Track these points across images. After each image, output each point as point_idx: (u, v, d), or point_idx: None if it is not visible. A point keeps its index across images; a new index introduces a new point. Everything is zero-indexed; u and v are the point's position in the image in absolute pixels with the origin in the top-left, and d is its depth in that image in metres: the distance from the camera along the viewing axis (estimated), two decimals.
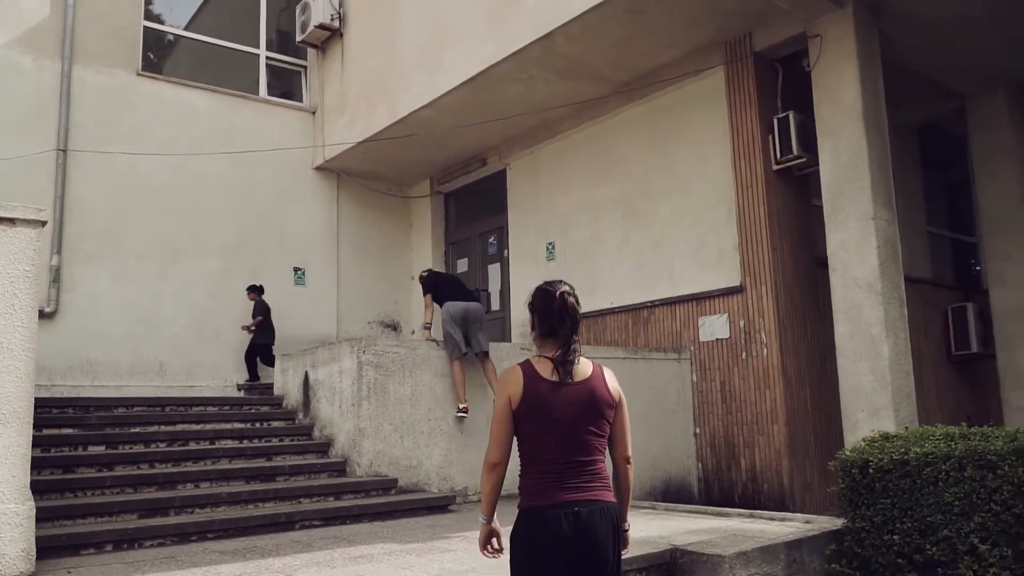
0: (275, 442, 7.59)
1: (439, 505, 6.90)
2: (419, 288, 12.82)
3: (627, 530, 3.23)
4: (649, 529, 5.70)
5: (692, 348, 9.33)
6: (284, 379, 8.72)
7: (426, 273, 8.74)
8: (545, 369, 2.98)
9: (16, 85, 10.06)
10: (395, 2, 10.95)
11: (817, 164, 8.26)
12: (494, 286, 12.11)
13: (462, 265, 12.75)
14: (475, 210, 12.76)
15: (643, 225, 9.91)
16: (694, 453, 9.31)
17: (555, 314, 3.03)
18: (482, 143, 11.63)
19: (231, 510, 6.07)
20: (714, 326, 9.14)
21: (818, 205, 8.48)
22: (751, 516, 6.28)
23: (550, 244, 11.11)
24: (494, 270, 12.17)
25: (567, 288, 3.08)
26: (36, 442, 5.99)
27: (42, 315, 9.63)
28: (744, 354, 8.79)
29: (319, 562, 4.75)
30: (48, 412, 7.08)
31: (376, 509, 6.49)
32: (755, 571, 4.82)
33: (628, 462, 3.12)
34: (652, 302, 9.70)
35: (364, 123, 11.36)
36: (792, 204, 8.86)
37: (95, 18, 10.67)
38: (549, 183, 11.21)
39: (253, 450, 7.34)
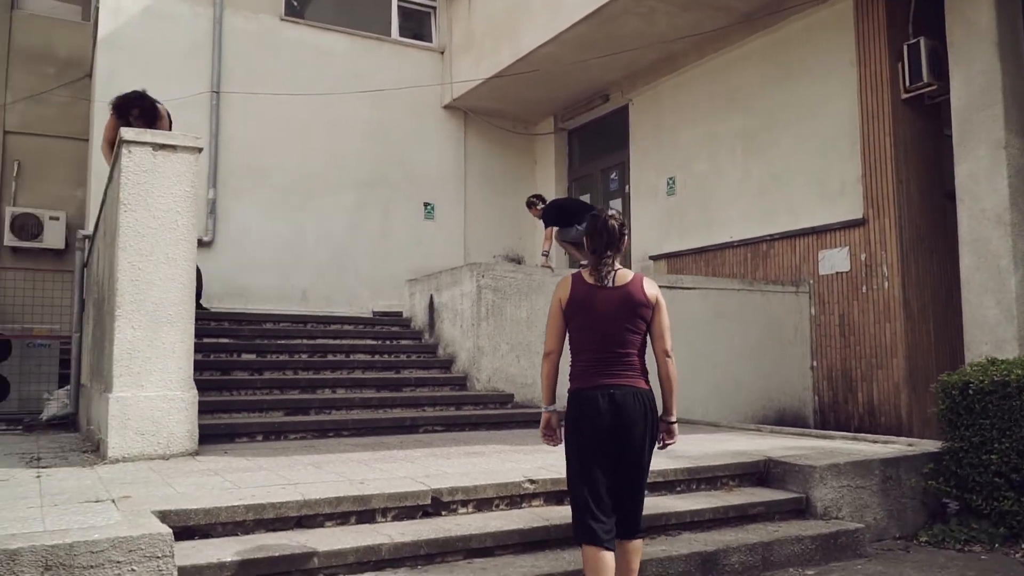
0: (403, 357, 8.24)
1: None
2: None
3: (674, 422, 3.64)
4: (749, 445, 5.91)
5: (811, 281, 9.26)
6: (412, 302, 9.35)
7: (539, 203, 9.08)
8: (588, 280, 3.49)
9: (175, 32, 10.98)
10: None
11: (948, 92, 7.91)
12: None
13: (585, 201, 12.95)
14: (597, 146, 12.90)
15: (764, 158, 9.80)
16: (810, 386, 9.31)
17: (597, 233, 3.50)
18: (604, 79, 11.71)
19: (363, 412, 6.75)
20: (834, 259, 9.02)
21: (948, 136, 8.15)
22: (855, 439, 6.35)
23: (670, 179, 11.16)
24: (616, 205, 12.31)
25: (613, 213, 3.57)
26: (197, 348, 6.83)
27: (201, 244, 10.64)
28: (864, 287, 8.67)
29: (436, 455, 5.29)
30: (207, 324, 7.99)
31: (492, 419, 7.01)
32: (847, 483, 4.97)
33: (668, 355, 3.57)
34: (771, 236, 9.64)
35: (490, 61, 11.68)
36: (920, 135, 8.55)
37: None
38: (671, 118, 11.20)
39: (383, 363, 8.01)
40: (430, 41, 13.02)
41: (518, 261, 13.22)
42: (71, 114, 12.44)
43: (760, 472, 5.17)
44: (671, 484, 4.86)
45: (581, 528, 3.37)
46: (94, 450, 5.63)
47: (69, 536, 3.01)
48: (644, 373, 3.48)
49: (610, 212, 3.58)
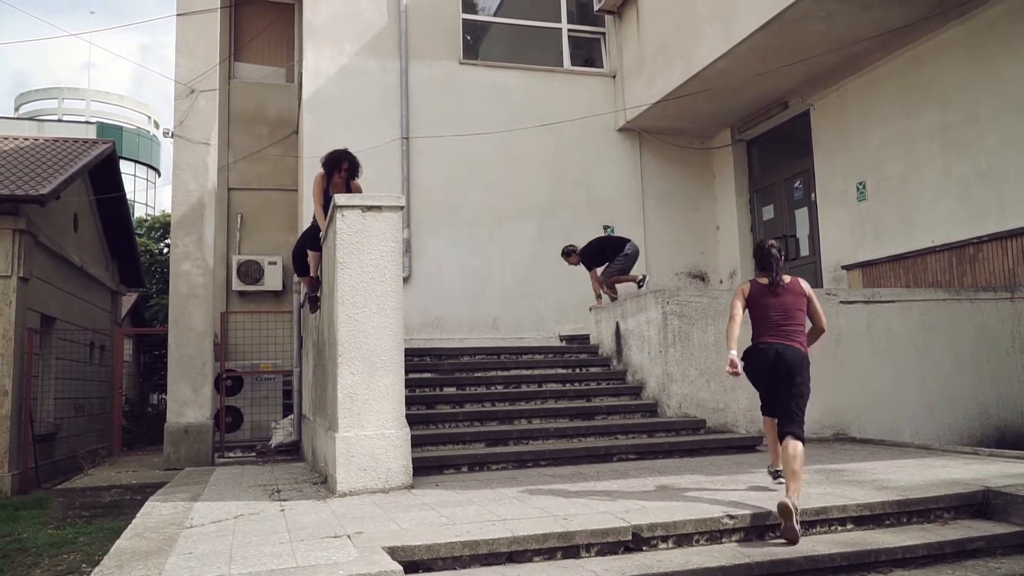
0: (593, 385, 8.45)
1: (746, 445, 7.26)
2: (726, 237, 13.09)
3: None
4: (964, 472, 5.58)
5: None
6: (598, 329, 9.56)
7: (573, 252, 10.48)
8: (762, 281, 5.37)
9: (367, 86, 11.93)
10: None
11: None
12: (802, 231, 11.90)
13: (767, 212, 12.65)
14: (778, 155, 12.55)
15: (967, 154, 9.16)
16: None
17: (764, 258, 5.39)
18: (782, 86, 11.39)
19: (558, 442, 7.03)
20: None
21: None
22: None
23: (860, 183, 10.66)
24: (801, 215, 11.93)
25: (772, 243, 5.46)
26: (405, 384, 7.41)
27: None
28: None
29: (632, 487, 5.43)
30: (411, 360, 8.59)
31: (685, 446, 7.05)
32: None
33: (823, 329, 5.50)
34: (979, 238, 8.98)
35: (662, 81, 11.72)
36: None
37: (423, 19, 12.24)
38: (857, 119, 10.71)
39: (575, 392, 8.27)
40: (601, 67, 13.26)
41: (702, 278, 13.11)
42: (282, 168, 13.81)
43: (978, 503, 4.88)
44: (879, 518, 4.71)
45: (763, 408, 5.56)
46: (323, 482, 6.28)
47: (319, 572, 3.45)
48: (802, 338, 5.26)
49: (769, 243, 5.43)
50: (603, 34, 13.31)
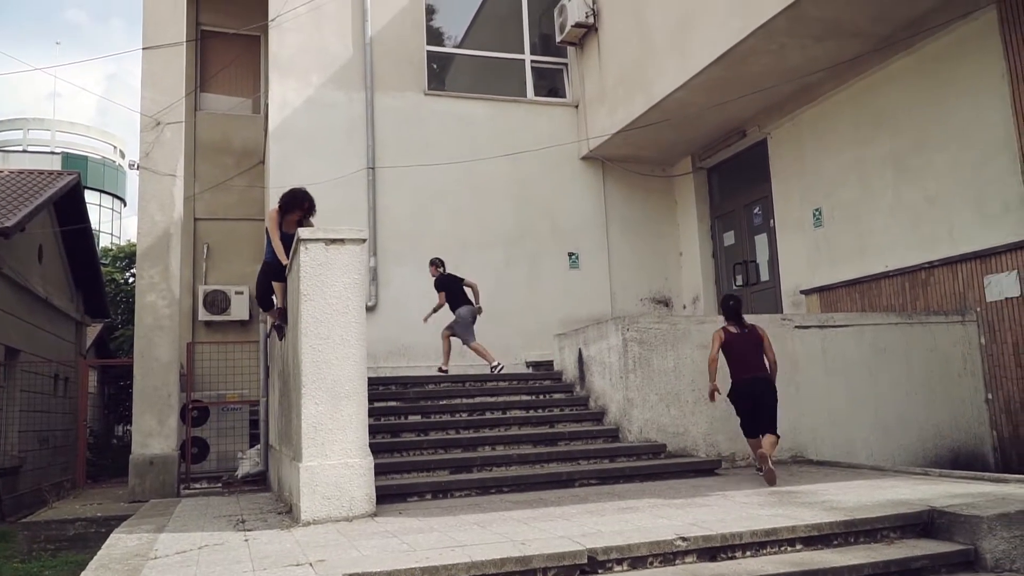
0: (556, 411, 8.58)
1: (705, 468, 7.42)
2: (688, 263, 13.34)
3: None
4: (912, 492, 5.77)
5: (978, 309, 8.84)
6: (562, 356, 9.71)
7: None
8: (732, 330, 7.29)
9: (333, 117, 12.08)
10: None
11: None
12: (762, 256, 12.18)
13: (728, 238, 12.93)
14: (738, 182, 12.87)
15: (917, 181, 9.49)
16: (987, 420, 8.84)
17: (732, 313, 7.39)
18: (740, 115, 11.73)
19: (521, 468, 7.13)
20: (1002, 284, 8.58)
21: None
22: None
23: (816, 210, 10.97)
24: (760, 240, 12.22)
25: (735, 298, 7.55)
26: (371, 412, 7.46)
27: (365, 309, 11.55)
28: None
29: (591, 511, 5.55)
30: (376, 389, 8.67)
31: (646, 471, 7.19)
32: (1020, 534, 4.78)
33: (775, 363, 7.33)
34: (931, 263, 9.28)
35: (623, 111, 12.01)
36: None
37: (388, 51, 12.44)
38: (813, 147, 11.05)
39: (538, 418, 8.38)
40: (564, 96, 13.53)
41: (665, 303, 13.34)
42: (248, 198, 13.86)
43: (924, 523, 5.06)
44: (827, 538, 4.87)
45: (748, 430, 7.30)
46: (288, 512, 6.32)
47: None
48: (766, 368, 7.22)
49: (732, 300, 7.50)
50: (565, 65, 13.60)
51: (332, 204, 11.39)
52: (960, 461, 8.62)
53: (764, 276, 12.11)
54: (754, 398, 7.08)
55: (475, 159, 12.36)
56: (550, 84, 13.74)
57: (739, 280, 12.37)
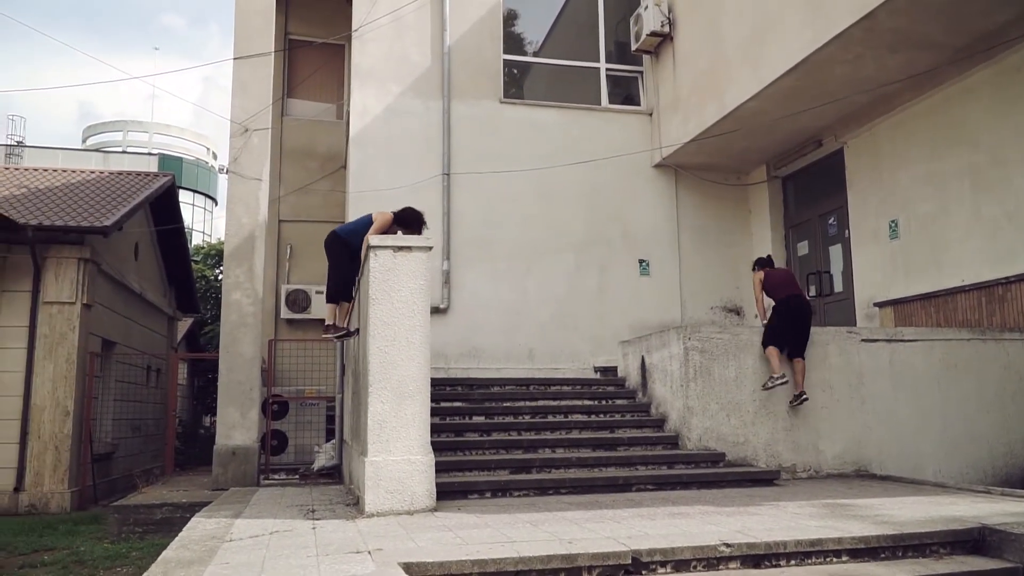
0: (617, 417, 8.73)
1: (764, 479, 7.45)
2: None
3: None
4: (969, 509, 5.72)
5: None
6: (625, 362, 9.84)
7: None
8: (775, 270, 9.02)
9: (411, 124, 12.50)
10: (719, 1, 11.45)
11: None
12: (836, 267, 12.02)
13: (802, 248, 12.80)
14: (813, 192, 12.72)
15: (995, 195, 9.26)
16: None
17: (769, 262, 9.11)
18: (815, 125, 11.61)
19: (579, 472, 7.32)
20: None
21: None
22: None
23: (892, 222, 10.78)
24: (835, 251, 12.06)
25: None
26: (436, 412, 7.78)
27: (437, 311, 11.92)
28: None
29: (643, 515, 5.71)
30: (443, 390, 9.01)
31: (703, 479, 7.28)
32: None
33: None
34: (1008, 278, 9.04)
35: (696, 120, 12.04)
36: None
37: (465, 59, 12.79)
38: (889, 158, 10.87)
39: (599, 423, 8.55)
40: (638, 104, 13.62)
41: (736, 312, 13.27)
42: (330, 202, 14.43)
43: (974, 540, 5.03)
44: (874, 551, 4.90)
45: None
46: (355, 504, 6.67)
47: None
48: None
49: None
50: (640, 73, 13.69)
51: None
52: None
53: (838, 287, 11.94)
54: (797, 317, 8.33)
55: (548, 166, 12.58)
56: (625, 92, 13.86)
57: (812, 291, 12.23)
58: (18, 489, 11.94)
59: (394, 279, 6.09)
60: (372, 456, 5.95)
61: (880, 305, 10.89)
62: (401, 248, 6.13)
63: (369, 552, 4.55)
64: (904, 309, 10.53)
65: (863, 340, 8.45)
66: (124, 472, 14.72)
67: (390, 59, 12.58)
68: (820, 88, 10.22)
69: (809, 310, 8.46)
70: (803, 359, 8.16)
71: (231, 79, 11.60)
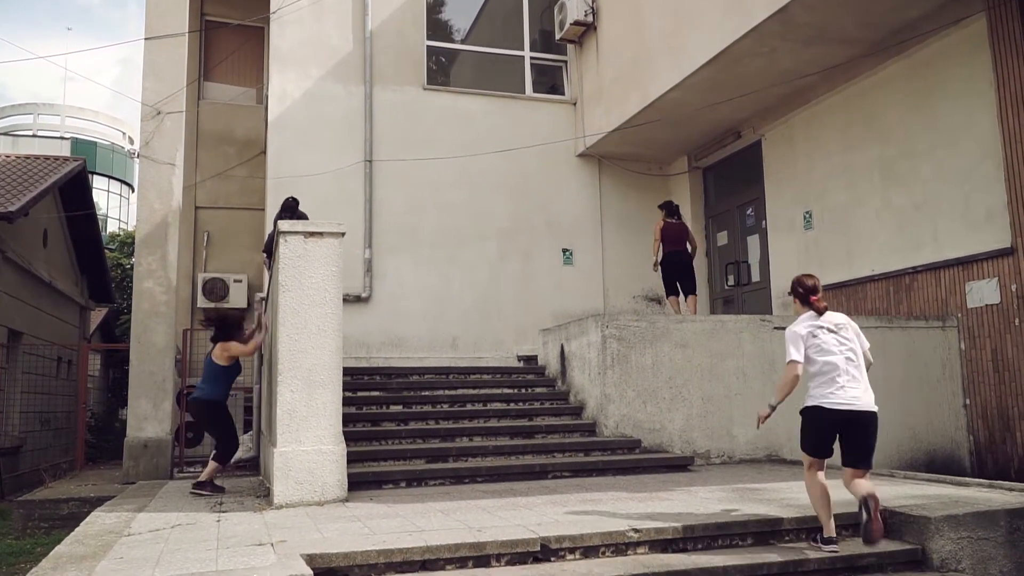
0: (536, 405, 8.75)
1: (679, 464, 7.57)
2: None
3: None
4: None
5: (959, 315, 8.93)
6: (545, 351, 9.87)
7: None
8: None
9: (332, 110, 12.23)
10: None
11: None
12: (753, 257, 12.28)
13: (722, 238, 13.04)
14: (732, 183, 12.96)
15: (904, 187, 9.57)
16: (964, 425, 8.93)
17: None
18: (734, 117, 11.82)
19: (496, 460, 7.31)
20: (983, 291, 8.66)
21: None
22: (990, 486, 6.15)
23: (807, 212, 11.06)
24: (753, 241, 12.32)
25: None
26: (353, 401, 7.67)
27: (359, 300, 11.75)
28: (1017, 320, 8.27)
29: (556, 502, 5.72)
30: (361, 379, 8.87)
31: (619, 465, 7.35)
32: (967, 535, 4.91)
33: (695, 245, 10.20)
34: (915, 268, 9.37)
35: (619, 110, 12.11)
36: None
37: (387, 44, 12.58)
38: (805, 150, 11.14)
39: (517, 411, 8.55)
40: (563, 94, 13.64)
41: (658, 301, 13.44)
42: (249, 188, 14.05)
43: None
44: (778, 534, 5.02)
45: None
46: (265, 495, 6.50)
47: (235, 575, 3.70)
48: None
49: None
50: (565, 63, 13.71)
51: (329, 196, 11.65)
52: (936, 465, 8.72)
53: (756, 277, 12.21)
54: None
55: (472, 154, 12.49)
56: (550, 81, 13.86)
57: (731, 280, 12.48)
58: None
59: (305, 265, 5.94)
60: (282, 447, 5.80)
61: None
62: (312, 234, 5.98)
63: (272, 544, 4.43)
64: None
65: (775, 328, 8.64)
66: (32, 467, 14.11)
67: (310, 43, 12.28)
68: (739, 80, 10.39)
69: (689, 262, 10.64)
70: (695, 295, 10.54)
71: (142, 61, 11.14)
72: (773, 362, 8.46)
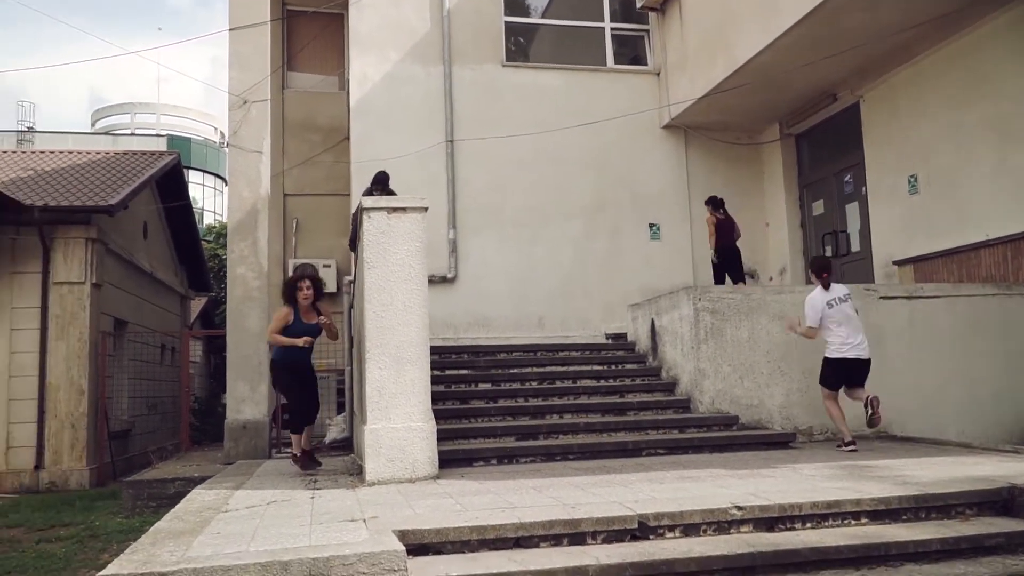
0: (627, 382, 8.52)
1: (779, 441, 7.23)
2: (775, 233, 12.94)
3: None
4: (996, 469, 5.47)
5: None
6: (635, 326, 9.61)
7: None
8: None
9: (412, 91, 12.22)
10: None
11: None
12: (853, 226, 11.67)
13: (817, 208, 12.46)
14: (828, 149, 12.34)
15: (1021, 145, 8.87)
16: None
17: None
18: (830, 78, 11.22)
19: (587, 437, 7.13)
20: None
21: None
22: None
23: (912, 176, 10.42)
24: (852, 209, 11.71)
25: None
26: (442, 380, 7.63)
27: (444, 280, 11.74)
28: None
29: (652, 479, 5.51)
30: (448, 357, 8.83)
31: (716, 442, 7.06)
32: None
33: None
34: None
35: (705, 77, 11.68)
36: None
37: (465, 23, 12.47)
38: (907, 110, 10.48)
39: (608, 388, 8.35)
40: (645, 64, 13.25)
41: (752, 275, 12.95)
42: (335, 174, 14.20)
43: (1003, 500, 4.79)
44: (895, 512, 4.67)
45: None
46: (358, 473, 6.52)
47: (326, 551, 3.66)
48: None
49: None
50: (647, 31, 13.30)
51: (412, 178, 11.62)
52: None
53: (855, 247, 11.61)
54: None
55: (553, 130, 12.27)
56: (631, 52, 13.49)
57: (828, 251, 11.90)
58: (38, 467, 11.98)
59: (388, 242, 5.88)
60: (372, 424, 5.78)
61: (900, 263, 10.55)
62: (396, 209, 5.92)
63: (364, 520, 4.38)
64: (925, 267, 10.19)
65: (881, 298, 8.17)
66: (142, 449, 14.73)
67: (389, 25, 12.28)
68: (835, 37, 9.81)
69: (739, 253, 10.92)
70: (744, 284, 10.64)
71: (227, 52, 11.35)
72: (881, 334, 7.98)
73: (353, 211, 8.87)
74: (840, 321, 7.06)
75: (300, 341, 6.86)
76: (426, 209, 6.07)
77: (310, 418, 7.32)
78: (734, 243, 10.94)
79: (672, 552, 4.14)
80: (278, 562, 3.53)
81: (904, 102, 10.55)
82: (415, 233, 5.96)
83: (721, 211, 11.01)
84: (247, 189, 11.07)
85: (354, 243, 8.24)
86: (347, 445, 10.73)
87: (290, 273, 13.99)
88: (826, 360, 7.16)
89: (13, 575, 6.00)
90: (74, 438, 12.08)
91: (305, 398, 7.27)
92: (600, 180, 12.60)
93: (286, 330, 6.94)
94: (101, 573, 3.39)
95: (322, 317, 7.06)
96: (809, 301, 7.24)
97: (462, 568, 3.89)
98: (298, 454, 7.21)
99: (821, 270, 7.28)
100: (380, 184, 9.27)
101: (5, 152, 17.45)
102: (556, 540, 4.27)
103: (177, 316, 18.81)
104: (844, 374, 7.07)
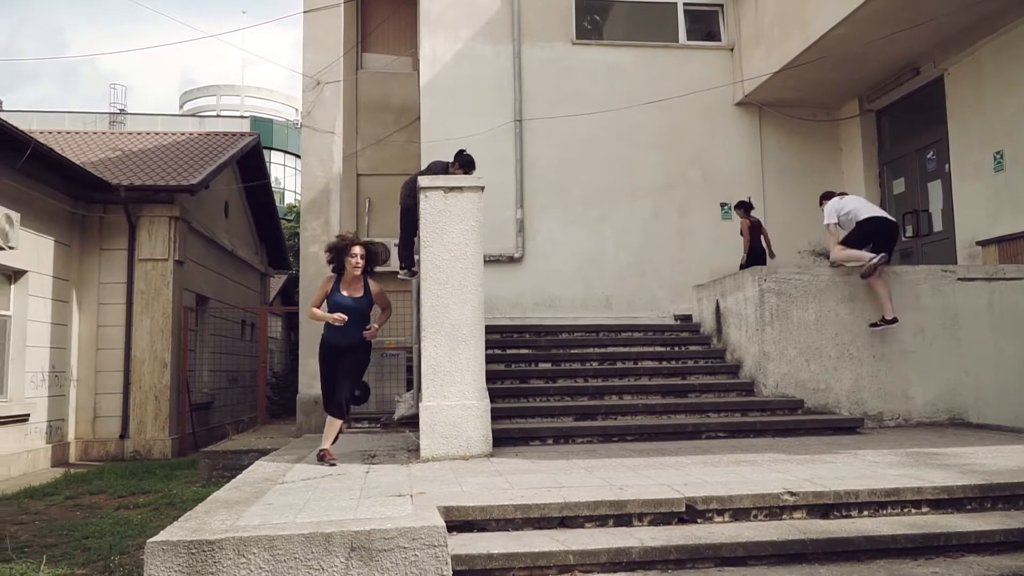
0: (689, 363, 8.40)
1: (846, 427, 7.03)
2: None
3: None
4: None
5: None
6: (700, 307, 9.46)
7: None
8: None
9: (481, 70, 12.23)
10: None
11: None
12: (935, 205, 11.17)
13: (898, 186, 11.95)
14: (910, 125, 11.81)
15: None
16: None
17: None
18: (911, 51, 10.72)
19: (646, 419, 7.08)
20: None
21: None
22: None
23: (998, 153, 9.89)
24: (934, 188, 11.20)
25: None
26: (502, 359, 7.67)
27: (512, 260, 11.78)
28: None
29: (706, 462, 5.44)
30: (511, 336, 8.87)
31: (779, 426, 6.92)
32: None
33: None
34: None
35: (780, 51, 11.31)
36: None
37: (535, 1, 12.37)
38: (994, 85, 9.93)
39: (669, 370, 8.25)
40: (718, 40, 12.91)
41: (826, 255, 12.55)
42: (406, 154, 14.36)
43: None
44: (958, 502, 4.50)
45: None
46: (416, 450, 6.64)
47: (369, 524, 3.76)
48: None
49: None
50: (720, 6, 12.95)
51: (480, 157, 11.52)
52: None
53: (937, 226, 11.11)
54: None
55: (624, 107, 12.11)
56: (704, 28, 13.15)
57: (909, 231, 11.43)
58: (123, 436, 12.64)
59: (444, 221, 5.94)
60: (427, 401, 5.88)
61: (984, 244, 10.05)
62: (452, 188, 5.96)
63: (411, 495, 4.48)
64: (1010, 247, 9.68)
65: (959, 279, 7.81)
66: (221, 421, 15.35)
67: (459, 4, 12.29)
68: (917, 8, 9.36)
69: (763, 255, 11.00)
70: None
71: (302, 34, 11.60)
72: (957, 316, 7.66)
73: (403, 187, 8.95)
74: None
75: (333, 317, 5.89)
76: (482, 189, 6.09)
77: (345, 406, 6.15)
78: (761, 245, 11.04)
79: (719, 536, 4.09)
80: (321, 534, 3.64)
81: (990, 75, 9.99)
82: (471, 212, 6.00)
83: (750, 214, 11.19)
84: (320, 169, 11.33)
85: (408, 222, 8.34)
86: (415, 422, 10.95)
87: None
88: (858, 224, 7.99)
89: (91, 539, 6.35)
90: (157, 409, 12.67)
91: (333, 382, 6.16)
92: (670, 159, 12.38)
93: (326, 302, 6.09)
94: (152, 539, 3.56)
95: (372, 286, 6.25)
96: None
97: (504, 546, 3.93)
98: (326, 446, 6.15)
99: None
100: (466, 166, 8.34)
101: (96, 133, 18.29)
102: (601, 521, 4.27)
103: (257, 293, 19.45)
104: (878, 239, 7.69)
